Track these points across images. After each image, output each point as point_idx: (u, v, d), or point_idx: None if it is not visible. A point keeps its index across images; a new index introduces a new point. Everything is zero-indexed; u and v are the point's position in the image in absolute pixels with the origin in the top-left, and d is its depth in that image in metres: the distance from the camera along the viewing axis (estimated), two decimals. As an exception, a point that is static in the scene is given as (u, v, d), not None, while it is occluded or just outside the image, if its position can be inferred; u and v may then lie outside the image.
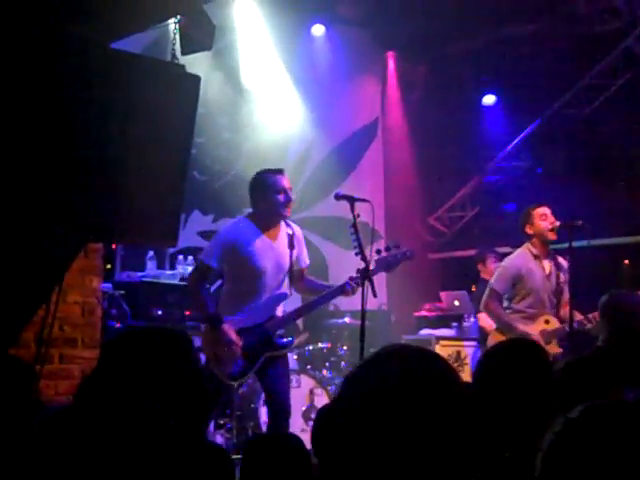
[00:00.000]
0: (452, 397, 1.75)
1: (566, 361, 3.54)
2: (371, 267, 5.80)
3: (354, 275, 5.89)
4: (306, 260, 6.29)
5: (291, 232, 6.14)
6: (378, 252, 5.97)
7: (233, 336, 5.81)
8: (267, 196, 5.96)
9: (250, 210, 6.18)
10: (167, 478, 1.62)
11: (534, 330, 6.90)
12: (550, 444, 1.72)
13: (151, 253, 8.34)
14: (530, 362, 3.08)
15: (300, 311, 6.31)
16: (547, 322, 6.96)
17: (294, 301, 6.60)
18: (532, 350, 3.19)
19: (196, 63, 8.59)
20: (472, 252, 11.30)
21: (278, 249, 6.02)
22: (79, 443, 1.60)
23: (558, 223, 7.03)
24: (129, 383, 2.29)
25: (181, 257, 8.57)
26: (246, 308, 5.96)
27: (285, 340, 6.06)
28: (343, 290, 5.98)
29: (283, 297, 6.11)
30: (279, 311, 6.09)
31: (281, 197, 5.95)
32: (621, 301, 5.83)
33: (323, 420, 3.05)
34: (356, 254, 5.82)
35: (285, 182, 6.02)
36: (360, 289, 5.79)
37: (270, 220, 6.04)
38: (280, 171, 6.12)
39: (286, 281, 6.11)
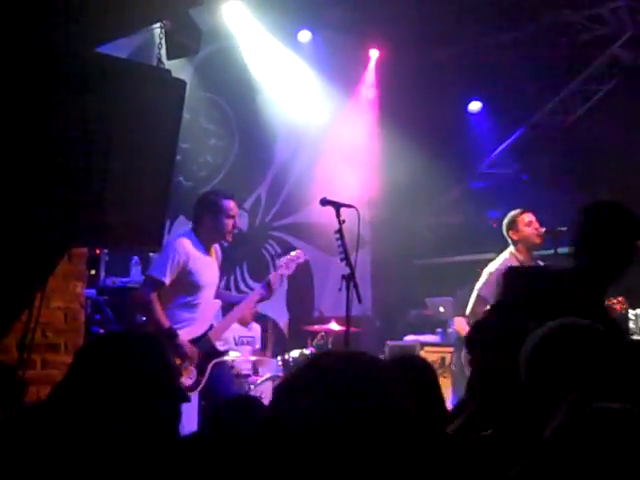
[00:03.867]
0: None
1: None
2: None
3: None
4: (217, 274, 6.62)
5: (215, 246, 6.46)
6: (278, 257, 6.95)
7: (189, 347, 5.96)
8: (218, 219, 6.21)
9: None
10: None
11: (519, 336, 6.91)
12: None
13: (136, 259, 8.32)
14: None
15: (232, 318, 6.66)
16: (532, 327, 6.96)
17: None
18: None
19: (183, 68, 8.61)
20: (457, 258, 11.33)
21: (213, 265, 6.34)
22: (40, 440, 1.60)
23: (543, 229, 7.06)
24: (100, 386, 2.29)
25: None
26: (192, 320, 6.17)
27: (224, 347, 6.63)
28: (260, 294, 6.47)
29: (217, 307, 6.49)
30: (214, 320, 6.44)
31: (230, 223, 6.22)
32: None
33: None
34: (341, 260, 5.85)
35: (236, 209, 6.34)
36: (341, 294, 5.88)
37: (212, 239, 6.32)
38: (232, 196, 6.41)
39: (214, 292, 6.45)
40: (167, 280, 6.00)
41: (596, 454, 1.69)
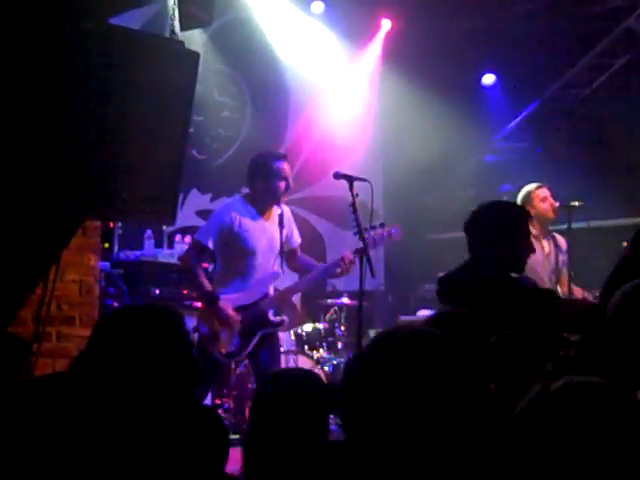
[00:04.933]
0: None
1: None
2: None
3: (349, 253, 5.97)
4: (297, 239, 6.36)
5: (280, 212, 6.21)
6: (365, 230, 5.93)
7: (231, 313, 5.86)
8: (269, 181, 6.01)
9: (246, 190, 6.20)
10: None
11: (533, 309, 6.90)
12: (525, 409, 1.73)
13: (149, 232, 8.32)
14: None
15: (294, 288, 6.44)
16: (546, 301, 6.94)
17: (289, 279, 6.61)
18: None
19: (196, 40, 8.57)
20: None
21: (270, 230, 6.09)
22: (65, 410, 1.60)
23: (557, 204, 7.02)
24: (120, 359, 2.29)
25: (179, 236, 8.55)
26: (240, 286, 6.02)
27: (279, 318, 6.14)
28: (337, 266, 6.08)
29: (275, 276, 6.17)
30: (271, 289, 6.16)
31: (282, 184, 6.02)
32: None
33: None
34: (354, 234, 5.84)
35: (288, 169, 6.09)
36: (354, 267, 5.82)
37: (266, 203, 6.09)
38: (284, 157, 6.21)
39: (278, 260, 6.17)
40: (210, 244, 5.91)
41: (564, 431, 1.67)
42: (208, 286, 5.92)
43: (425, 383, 1.70)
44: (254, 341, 5.97)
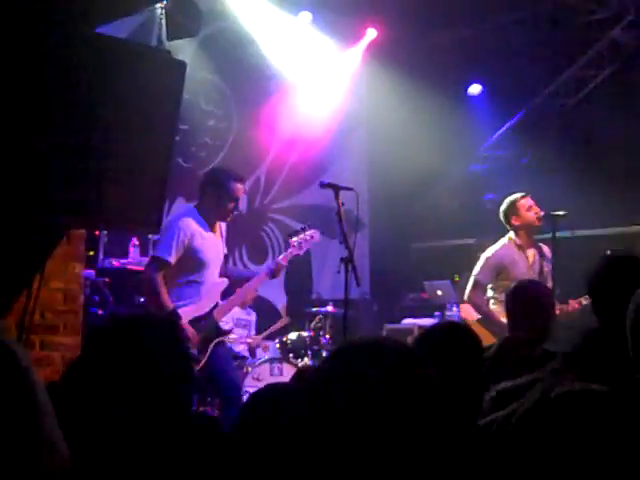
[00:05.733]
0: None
1: None
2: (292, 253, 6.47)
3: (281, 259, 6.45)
4: (225, 250, 6.52)
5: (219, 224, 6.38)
6: (289, 236, 6.57)
7: (190, 330, 5.97)
8: (221, 199, 6.14)
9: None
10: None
11: (517, 320, 6.92)
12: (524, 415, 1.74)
13: (134, 240, 8.30)
14: None
15: (239, 298, 6.54)
16: (530, 312, 6.96)
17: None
18: None
19: (183, 49, 8.57)
20: (455, 242, 11.33)
21: (217, 241, 6.26)
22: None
23: (542, 213, 7.05)
24: (115, 368, 2.28)
25: (164, 244, 8.52)
26: (193, 297, 6.12)
27: (228, 326, 6.53)
28: (270, 271, 6.42)
29: (223, 285, 6.34)
30: (219, 298, 6.34)
31: (232, 205, 6.15)
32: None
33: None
34: (340, 242, 5.88)
35: (241, 192, 6.28)
36: (340, 276, 5.93)
37: (216, 217, 6.22)
38: (242, 179, 6.37)
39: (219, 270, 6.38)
40: (172, 259, 5.96)
41: (564, 438, 1.68)
42: (169, 304, 5.96)
43: (383, 394, 1.69)
44: (209, 350, 6.13)
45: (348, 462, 1.64)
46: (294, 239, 6.51)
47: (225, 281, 6.33)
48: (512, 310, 5.22)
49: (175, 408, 2.34)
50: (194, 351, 6.02)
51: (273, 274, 6.42)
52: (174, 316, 5.89)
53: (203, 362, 6.09)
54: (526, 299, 5.15)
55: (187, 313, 6.02)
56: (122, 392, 2.13)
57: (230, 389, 6.16)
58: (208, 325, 6.12)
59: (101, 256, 7.93)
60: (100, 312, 7.25)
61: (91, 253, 7.44)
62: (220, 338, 6.22)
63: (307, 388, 1.79)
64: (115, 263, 7.94)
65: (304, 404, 1.73)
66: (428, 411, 1.69)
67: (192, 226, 6.04)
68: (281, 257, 6.49)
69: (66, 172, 4.76)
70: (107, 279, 7.56)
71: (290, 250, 6.49)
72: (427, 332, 3.28)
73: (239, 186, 6.17)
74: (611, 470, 1.65)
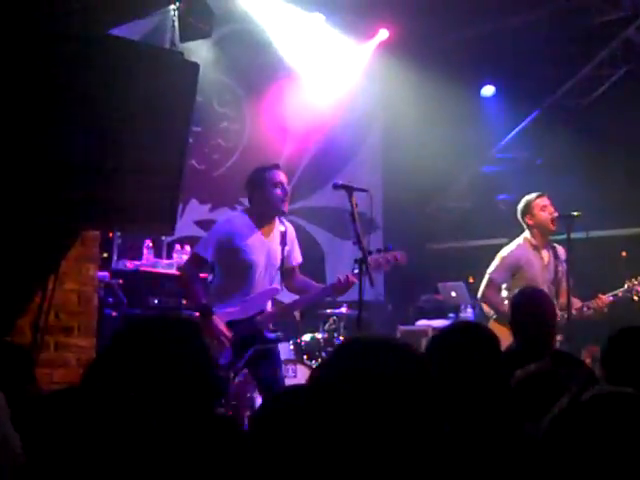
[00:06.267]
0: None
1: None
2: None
3: (350, 274, 5.94)
4: (298, 258, 6.30)
5: (284, 229, 6.16)
6: (370, 252, 5.93)
7: (223, 328, 5.82)
8: (264, 191, 5.97)
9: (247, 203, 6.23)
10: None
11: (532, 320, 6.93)
12: (555, 419, 1.72)
13: (148, 242, 8.31)
14: None
15: (290, 306, 6.41)
16: (544, 312, 6.97)
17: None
18: None
19: (196, 51, 8.58)
20: (469, 243, 11.31)
21: (270, 245, 6.04)
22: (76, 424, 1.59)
23: (557, 214, 7.04)
24: (138, 371, 2.27)
25: (178, 246, 8.53)
26: (236, 301, 5.96)
27: (274, 335, 6.08)
28: (334, 288, 6.05)
29: (274, 292, 6.14)
30: (269, 306, 6.13)
31: (278, 191, 5.97)
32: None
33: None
34: (354, 243, 5.85)
35: (281, 177, 6.04)
36: (354, 284, 5.83)
37: (267, 216, 6.05)
38: (276, 166, 6.17)
39: (277, 277, 6.13)
40: (209, 257, 5.87)
41: (595, 441, 1.67)
42: (203, 299, 5.90)
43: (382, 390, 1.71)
44: (246, 356, 5.91)
45: (349, 454, 1.66)
46: (375, 256, 6.02)
47: (277, 289, 6.12)
48: (513, 318, 5.19)
49: (195, 409, 2.32)
50: (227, 351, 5.90)
51: (337, 290, 6.08)
52: (206, 311, 5.84)
53: (237, 367, 5.92)
54: (527, 308, 5.12)
55: (225, 314, 5.88)
56: (142, 393, 2.13)
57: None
58: (246, 329, 5.93)
59: (115, 258, 7.93)
60: (114, 314, 7.25)
61: (105, 255, 7.46)
62: (261, 346, 5.96)
63: (310, 382, 1.81)
64: (129, 265, 7.94)
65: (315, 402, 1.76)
66: (425, 409, 1.72)
67: (235, 225, 5.95)
68: (351, 274, 5.95)
69: (80, 173, 4.78)
70: (121, 281, 7.57)
71: (360, 257, 5.83)
72: (443, 332, 3.26)
73: (276, 172, 6.01)
74: None
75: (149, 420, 1.70)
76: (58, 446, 1.59)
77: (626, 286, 7.41)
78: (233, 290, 5.98)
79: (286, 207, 6.07)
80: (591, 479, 1.65)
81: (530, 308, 5.09)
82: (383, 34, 10.95)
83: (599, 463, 1.65)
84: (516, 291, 5.50)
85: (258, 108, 10.48)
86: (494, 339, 3.23)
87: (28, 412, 1.64)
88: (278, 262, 6.10)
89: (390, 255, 6.19)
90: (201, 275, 6.43)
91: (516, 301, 5.26)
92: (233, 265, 5.95)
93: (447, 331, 3.28)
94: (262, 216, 6.03)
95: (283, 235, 6.13)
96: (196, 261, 6.00)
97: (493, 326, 7.11)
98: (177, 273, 6.57)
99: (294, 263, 6.27)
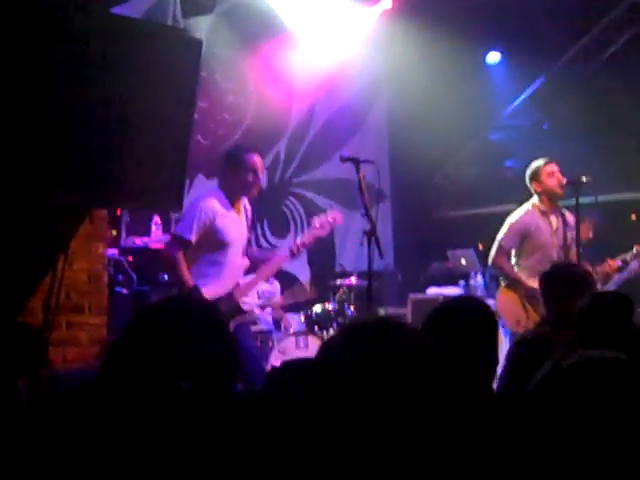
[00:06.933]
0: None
1: None
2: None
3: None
4: (247, 233, 6.48)
5: (244, 203, 6.31)
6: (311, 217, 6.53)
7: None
8: (239, 173, 6.08)
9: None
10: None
11: (542, 285, 6.98)
12: (537, 385, 1.75)
13: (156, 218, 8.33)
14: None
15: (260, 276, 6.53)
16: (554, 277, 7.00)
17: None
18: None
19: (199, 26, 8.55)
20: (477, 210, 11.30)
21: (240, 221, 6.21)
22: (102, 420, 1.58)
23: (565, 180, 7.03)
24: (160, 353, 2.27)
25: (186, 221, 8.54)
26: (216, 278, 6.10)
27: (248, 307, 6.33)
28: (292, 252, 6.35)
29: (245, 265, 6.33)
30: (241, 279, 6.33)
31: (251, 177, 6.08)
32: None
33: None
34: (362, 215, 5.88)
35: (258, 163, 6.16)
36: (363, 248, 5.95)
37: (237, 195, 6.18)
38: (255, 149, 6.28)
39: (243, 250, 6.32)
40: (193, 238, 5.94)
41: (577, 407, 1.70)
42: (190, 281, 5.96)
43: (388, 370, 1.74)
44: (230, 329, 6.03)
45: (352, 436, 1.70)
46: (316, 220, 6.44)
47: (246, 261, 6.33)
48: (546, 291, 5.23)
49: (219, 389, 2.33)
50: None
51: (293, 254, 6.39)
52: (195, 293, 5.91)
53: None
54: (561, 280, 5.15)
55: (209, 292, 5.97)
56: (168, 373, 2.13)
57: (252, 372, 6.12)
58: (228, 305, 6.09)
59: (123, 235, 7.96)
60: (124, 291, 7.29)
61: (114, 232, 7.48)
62: (239, 318, 6.18)
63: (313, 365, 1.85)
64: (137, 242, 7.97)
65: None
66: (431, 386, 1.76)
67: (215, 206, 6.02)
68: (300, 239, 6.43)
69: (86, 153, 4.79)
70: (130, 258, 7.60)
71: (312, 231, 6.42)
72: (440, 308, 3.30)
73: (255, 157, 6.12)
74: (626, 439, 1.66)
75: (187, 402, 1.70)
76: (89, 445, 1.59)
77: (635, 250, 7.42)
78: (212, 266, 6.11)
79: (256, 192, 6.22)
80: (571, 445, 1.67)
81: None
82: (387, 1, 10.85)
83: (579, 430, 1.67)
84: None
85: (263, 74, 10.39)
86: (490, 315, 3.30)
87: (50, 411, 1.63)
88: (246, 237, 6.31)
89: (330, 217, 6.44)
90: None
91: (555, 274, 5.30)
92: (213, 244, 6.06)
93: (443, 307, 3.33)
94: (234, 195, 6.15)
95: (245, 209, 6.29)
96: (180, 244, 6.04)
97: (504, 291, 7.18)
98: (162, 252, 6.62)
99: (249, 235, 6.49)
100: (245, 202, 6.31)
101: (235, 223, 6.15)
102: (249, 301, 6.48)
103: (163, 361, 2.25)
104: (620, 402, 1.68)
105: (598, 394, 1.69)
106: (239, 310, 6.20)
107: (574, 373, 1.73)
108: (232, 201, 6.14)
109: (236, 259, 6.20)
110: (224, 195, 6.10)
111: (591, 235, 8.24)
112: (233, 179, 6.11)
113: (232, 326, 6.07)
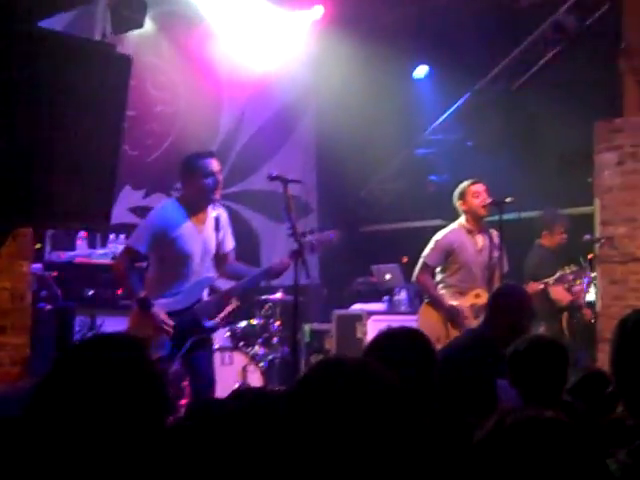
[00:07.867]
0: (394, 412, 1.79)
1: None
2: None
3: (284, 258, 6.02)
4: (231, 243, 6.28)
5: (216, 215, 6.14)
6: (303, 235, 6.02)
7: (164, 317, 5.78)
8: (196, 180, 5.92)
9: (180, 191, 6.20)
10: None
11: (464, 304, 7.12)
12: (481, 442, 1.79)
13: (82, 232, 8.20)
14: None
15: (228, 293, 6.25)
16: (477, 296, 7.16)
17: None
18: None
19: (129, 34, 8.42)
20: (403, 225, 11.38)
21: (205, 233, 6.02)
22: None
23: (489, 200, 7.17)
24: (81, 396, 2.23)
25: (112, 236, 8.44)
26: (173, 292, 5.94)
27: (212, 323, 6.06)
28: (269, 272, 6.11)
29: (209, 281, 6.13)
30: (205, 295, 6.10)
31: (209, 181, 5.92)
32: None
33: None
34: (289, 235, 5.86)
35: (214, 165, 5.99)
36: (291, 267, 5.88)
37: (199, 203, 6.01)
38: (210, 154, 6.15)
39: (212, 265, 6.13)
40: (143, 249, 5.83)
41: (517, 466, 1.74)
42: (141, 292, 5.85)
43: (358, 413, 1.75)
44: (185, 347, 5.90)
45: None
46: (309, 238, 6.12)
47: (212, 277, 6.12)
48: (492, 307, 5.35)
49: (145, 431, 2.29)
50: (167, 343, 5.83)
51: (273, 275, 6.17)
52: (145, 303, 5.78)
53: (177, 357, 5.91)
54: (508, 300, 5.27)
55: (163, 305, 5.83)
56: (93, 423, 2.09)
57: (205, 392, 5.99)
58: (185, 320, 5.89)
59: (48, 249, 7.82)
60: (48, 307, 7.16)
61: (38, 246, 7.35)
62: (199, 336, 5.96)
63: (287, 400, 1.86)
64: (62, 256, 7.84)
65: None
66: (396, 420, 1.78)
67: (168, 216, 5.88)
68: (285, 257, 6.03)
69: (11, 172, 4.71)
70: (55, 273, 7.47)
71: (296, 249, 5.90)
72: (382, 338, 3.32)
73: (209, 160, 5.96)
74: None
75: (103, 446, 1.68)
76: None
77: (558, 274, 7.60)
78: (170, 281, 5.94)
79: (218, 195, 6.03)
80: None
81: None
82: (318, 11, 10.85)
83: None
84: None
85: (192, 91, 10.34)
86: (429, 346, 3.34)
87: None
88: (213, 249, 6.08)
89: (323, 235, 6.29)
90: (136, 264, 6.37)
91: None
92: (169, 256, 5.90)
93: (384, 338, 3.35)
94: (195, 204, 5.99)
95: (217, 220, 6.11)
96: (130, 254, 5.93)
97: (425, 309, 7.30)
98: (112, 263, 6.47)
99: (227, 249, 6.24)
100: (219, 213, 6.14)
101: (197, 235, 5.97)
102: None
103: (85, 403, 2.21)
104: (557, 463, 1.72)
105: (538, 455, 1.72)
106: (200, 327, 5.97)
107: (515, 433, 1.76)
108: (193, 210, 5.97)
109: (199, 272, 6.00)
110: (182, 205, 5.96)
111: (565, 239, 8.40)
112: (192, 187, 5.95)
113: (188, 343, 5.90)
